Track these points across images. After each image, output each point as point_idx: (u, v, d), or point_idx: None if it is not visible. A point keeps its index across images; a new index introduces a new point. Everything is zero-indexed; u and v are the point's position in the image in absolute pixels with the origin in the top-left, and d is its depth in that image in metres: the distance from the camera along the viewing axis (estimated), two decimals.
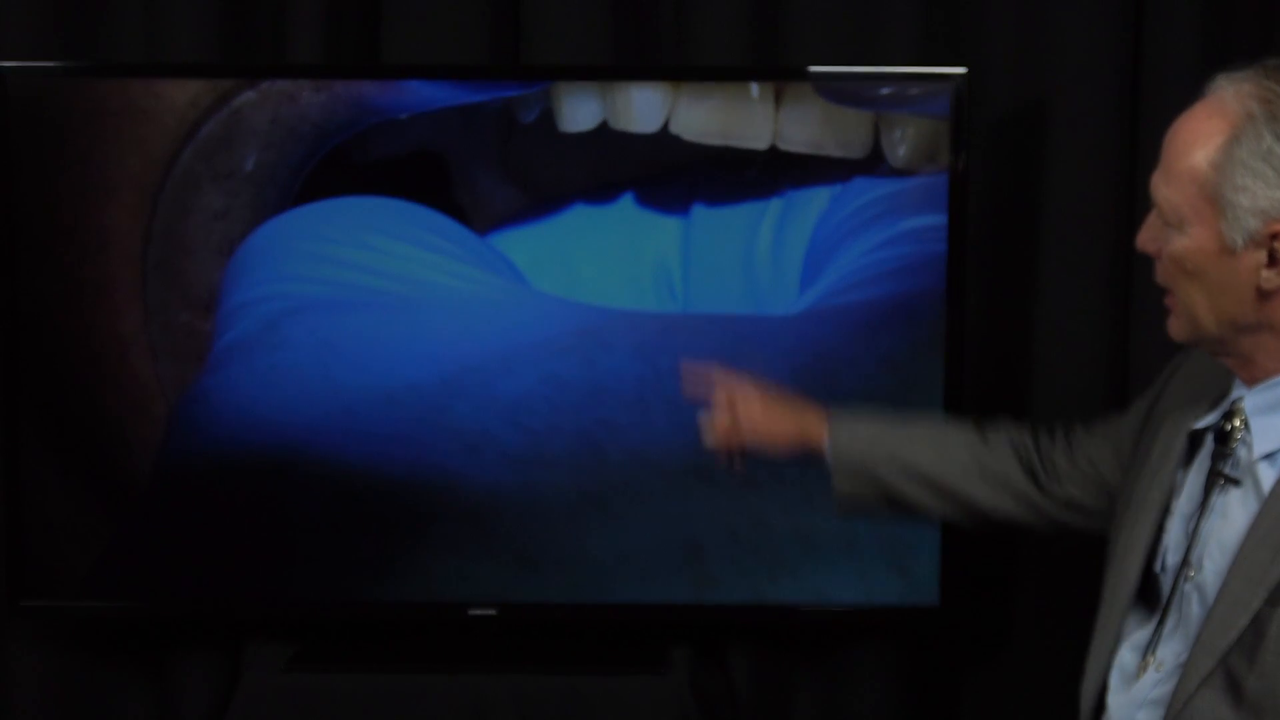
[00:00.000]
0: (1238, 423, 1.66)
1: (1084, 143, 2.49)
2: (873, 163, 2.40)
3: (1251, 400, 1.66)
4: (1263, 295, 1.60)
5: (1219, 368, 1.73)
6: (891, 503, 2.01)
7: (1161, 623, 1.69)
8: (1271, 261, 1.59)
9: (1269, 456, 1.63)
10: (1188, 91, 1.69)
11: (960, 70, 2.37)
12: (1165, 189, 1.62)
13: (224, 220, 2.42)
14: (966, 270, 2.42)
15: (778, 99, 2.39)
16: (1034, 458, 1.99)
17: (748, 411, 2.03)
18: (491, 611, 2.45)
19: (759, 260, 2.42)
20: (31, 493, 2.46)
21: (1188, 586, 1.67)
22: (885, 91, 2.39)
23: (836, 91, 2.39)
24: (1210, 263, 1.60)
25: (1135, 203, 2.49)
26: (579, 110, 2.40)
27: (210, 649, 2.60)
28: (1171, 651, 1.68)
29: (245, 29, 2.55)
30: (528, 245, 2.44)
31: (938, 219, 2.39)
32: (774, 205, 2.42)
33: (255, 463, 2.43)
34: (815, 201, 2.42)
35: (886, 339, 2.41)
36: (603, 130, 2.40)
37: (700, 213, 2.43)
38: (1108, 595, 1.76)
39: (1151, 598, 1.73)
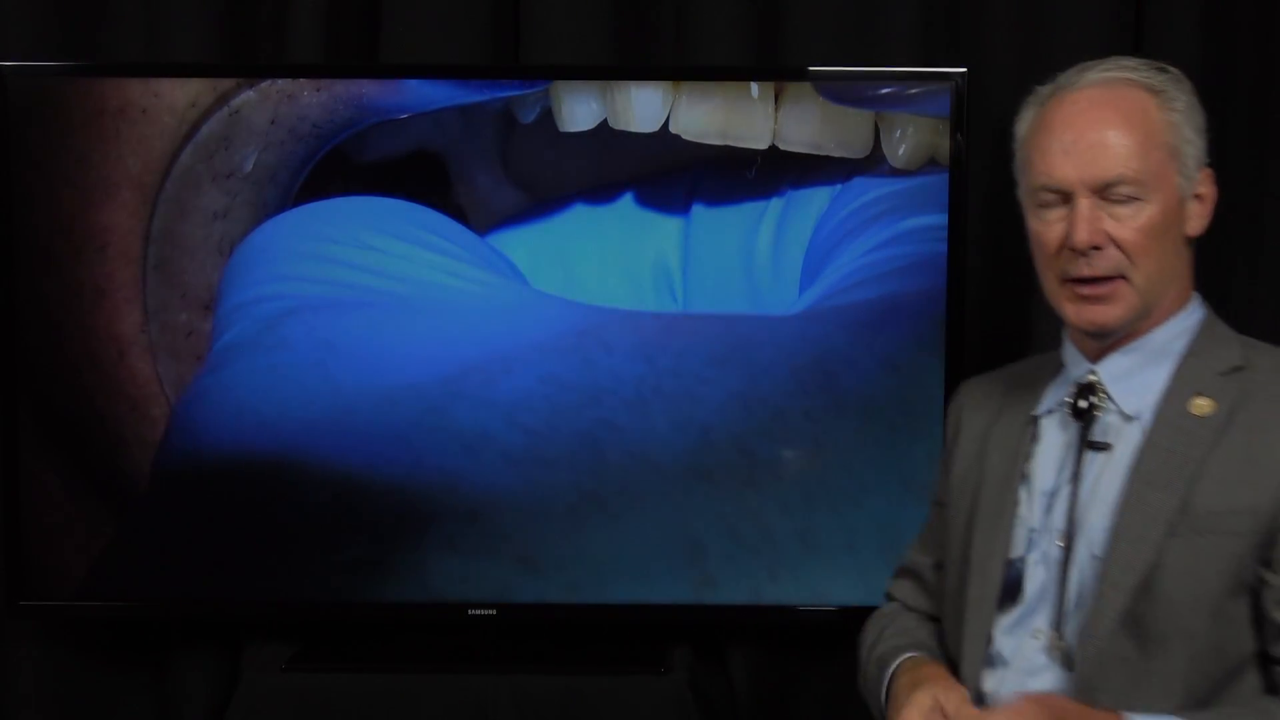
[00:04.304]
0: (1096, 398, 1.71)
1: None
2: (873, 163, 2.40)
3: (1106, 369, 1.73)
4: (1187, 242, 1.71)
5: (1006, 381, 1.86)
6: None
7: (1062, 600, 1.69)
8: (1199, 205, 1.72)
9: (1137, 414, 1.70)
10: None
11: (960, 70, 2.37)
12: (1138, 162, 1.65)
13: (224, 220, 2.42)
14: (966, 270, 2.42)
15: (778, 99, 2.39)
16: None
17: None
18: (491, 611, 2.45)
19: (759, 260, 2.42)
20: (31, 493, 2.45)
21: (1082, 551, 1.68)
22: (885, 91, 2.39)
23: (836, 91, 2.39)
24: (1171, 220, 1.68)
25: None
26: (579, 110, 2.40)
27: (210, 649, 2.60)
28: (1077, 626, 1.68)
29: (245, 29, 2.56)
30: (528, 245, 2.44)
31: (938, 219, 2.39)
32: (774, 205, 2.42)
33: (254, 463, 2.43)
34: (815, 201, 2.41)
35: (886, 339, 2.41)
36: (603, 130, 2.40)
37: (700, 212, 2.43)
38: (972, 604, 1.76)
39: (1012, 589, 1.74)
